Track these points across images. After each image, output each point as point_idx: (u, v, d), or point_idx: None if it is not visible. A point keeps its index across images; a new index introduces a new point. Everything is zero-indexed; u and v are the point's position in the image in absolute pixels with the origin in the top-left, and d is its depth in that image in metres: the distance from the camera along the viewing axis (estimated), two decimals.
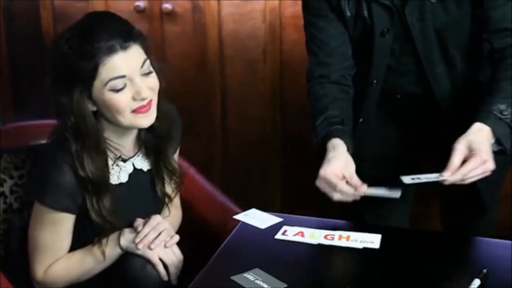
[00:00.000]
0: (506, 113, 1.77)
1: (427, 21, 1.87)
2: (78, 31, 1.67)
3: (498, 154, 1.77)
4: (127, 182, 1.80)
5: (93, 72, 1.64)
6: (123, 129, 1.75)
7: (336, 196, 1.78)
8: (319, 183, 1.79)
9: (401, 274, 1.66)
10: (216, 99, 2.97)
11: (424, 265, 1.67)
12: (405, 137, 2.11)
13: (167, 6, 2.91)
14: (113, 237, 1.76)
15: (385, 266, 1.67)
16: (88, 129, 1.68)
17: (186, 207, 2.07)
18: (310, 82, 1.99)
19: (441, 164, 2.09)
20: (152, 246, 1.74)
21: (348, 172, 1.78)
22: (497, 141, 1.77)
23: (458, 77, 1.96)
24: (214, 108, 2.98)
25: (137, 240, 1.74)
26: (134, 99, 1.67)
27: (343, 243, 1.74)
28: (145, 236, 1.75)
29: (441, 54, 1.92)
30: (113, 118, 1.69)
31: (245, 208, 2.06)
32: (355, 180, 1.78)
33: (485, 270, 1.59)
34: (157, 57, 1.78)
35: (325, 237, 1.77)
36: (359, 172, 2.09)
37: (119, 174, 1.78)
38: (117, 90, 1.66)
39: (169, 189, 1.89)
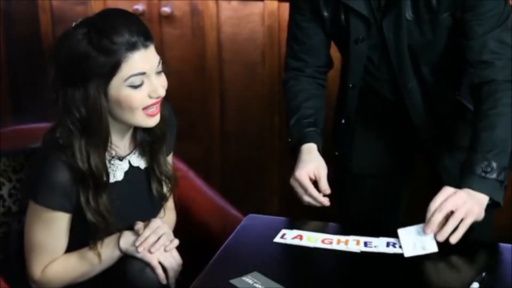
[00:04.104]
0: (489, 169, 1.73)
1: (402, 37, 1.88)
2: (97, 25, 1.65)
3: (493, 207, 1.76)
4: (122, 180, 1.80)
5: (114, 68, 1.64)
6: (125, 127, 1.76)
7: (306, 199, 1.88)
8: (293, 183, 1.89)
9: (400, 277, 1.66)
10: (215, 102, 2.97)
11: (423, 268, 1.67)
12: (389, 139, 2.12)
13: (166, 9, 2.91)
14: (112, 238, 1.76)
15: (383, 269, 1.67)
16: (102, 124, 1.68)
17: (184, 210, 2.07)
18: (286, 73, 2.07)
19: (429, 167, 2.11)
20: (152, 250, 1.73)
21: (319, 174, 1.88)
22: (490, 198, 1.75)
23: (430, 94, 1.97)
24: (212, 111, 2.98)
25: (137, 243, 1.74)
26: (150, 96, 1.69)
27: (341, 246, 1.74)
28: (145, 239, 1.74)
29: (413, 71, 1.93)
30: (122, 114, 1.70)
31: (243, 211, 2.06)
32: (323, 183, 1.87)
33: (484, 274, 1.58)
34: None
35: (323, 240, 1.77)
36: (349, 172, 2.11)
37: (115, 172, 1.78)
38: (135, 87, 1.67)
39: (165, 189, 1.89)
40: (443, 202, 1.70)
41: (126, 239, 1.75)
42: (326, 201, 1.88)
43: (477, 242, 1.78)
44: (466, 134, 1.88)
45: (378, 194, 2.14)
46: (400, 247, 1.72)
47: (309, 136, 1.95)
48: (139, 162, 1.83)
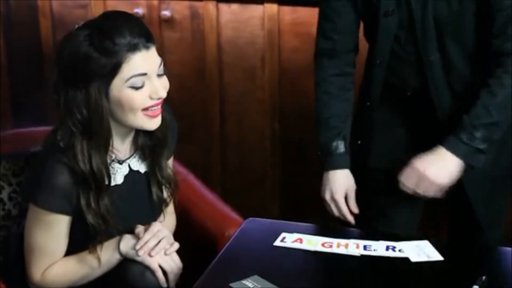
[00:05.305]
0: (473, 137, 1.85)
1: (428, 9, 1.89)
2: (98, 27, 1.66)
3: (471, 169, 1.87)
4: (122, 183, 1.80)
5: (115, 69, 1.65)
6: (126, 130, 1.76)
7: (337, 215, 2.04)
8: (329, 201, 2.03)
9: (400, 280, 1.66)
10: (215, 106, 2.97)
11: (423, 271, 1.67)
12: (411, 132, 2.11)
13: (166, 13, 2.91)
14: (112, 242, 1.76)
15: (383, 273, 1.67)
16: (103, 125, 1.69)
17: (184, 213, 2.07)
18: (315, 59, 2.10)
19: None
20: (153, 253, 1.73)
21: (349, 194, 2.04)
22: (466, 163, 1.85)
23: (454, 73, 1.95)
24: (212, 115, 2.98)
25: (137, 247, 1.74)
26: (151, 98, 1.69)
27: (341, 250, 1.74)
28: (146, 243, 1.74)
29: (437, 45, 1.93)
30: (123, 116, 1.70)
31: (243, 214, 2.06)
32: (352, 203, 2.04)
33: (484, 277, 1.58)
34: None
35: (323, 244, 1.77)
36: (367, 166, 2.10)
37: (114, 176, 1.78)
38: (136, 88, 1.67)
39: (165, 193, 1.89)
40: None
41: (126, 243, 1.75)
42: (352, 220, 2.02)
43: (477, 245, 1.78)
44: None
45: (393, 190, 2.13)
46: (400, 250, 1.73)
47: (339, 160, 2.05)
48: (139, 166, 1.83)
